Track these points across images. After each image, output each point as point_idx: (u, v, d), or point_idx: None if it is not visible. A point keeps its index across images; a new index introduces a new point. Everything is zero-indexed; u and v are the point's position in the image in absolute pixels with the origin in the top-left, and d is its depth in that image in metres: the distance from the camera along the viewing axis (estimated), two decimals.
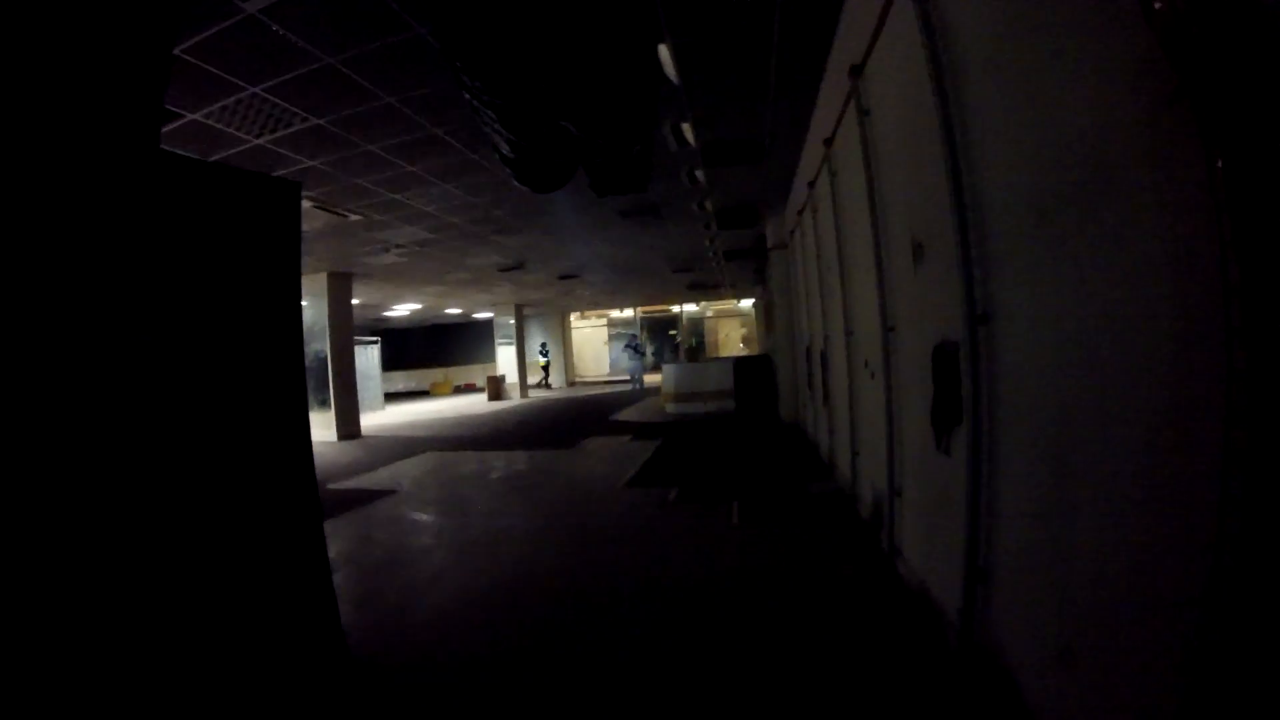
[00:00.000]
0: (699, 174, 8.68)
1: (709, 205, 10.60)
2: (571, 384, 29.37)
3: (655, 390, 20.53)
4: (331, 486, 8.24)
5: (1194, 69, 1.22)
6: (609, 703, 2.71)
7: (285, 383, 3.16)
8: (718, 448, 9.27)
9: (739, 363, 14.51)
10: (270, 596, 2.87)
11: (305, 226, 9.51)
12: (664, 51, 4.98)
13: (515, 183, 4.06)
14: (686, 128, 6.86)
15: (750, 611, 3.45)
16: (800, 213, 7.89)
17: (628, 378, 27.61)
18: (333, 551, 5.10)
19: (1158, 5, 1.31)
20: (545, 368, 28.12)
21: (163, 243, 2.43)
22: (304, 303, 13.84)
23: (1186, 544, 1.38)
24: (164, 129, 5.60)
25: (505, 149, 3.59)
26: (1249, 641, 1.23)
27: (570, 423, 14.27)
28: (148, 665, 2.27)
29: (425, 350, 32.55)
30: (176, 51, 4.29)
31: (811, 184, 6.56)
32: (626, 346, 24.33)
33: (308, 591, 3.13)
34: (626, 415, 15.04)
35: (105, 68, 1.90)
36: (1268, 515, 1.16)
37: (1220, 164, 1.17)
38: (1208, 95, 1.20)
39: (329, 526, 5.91)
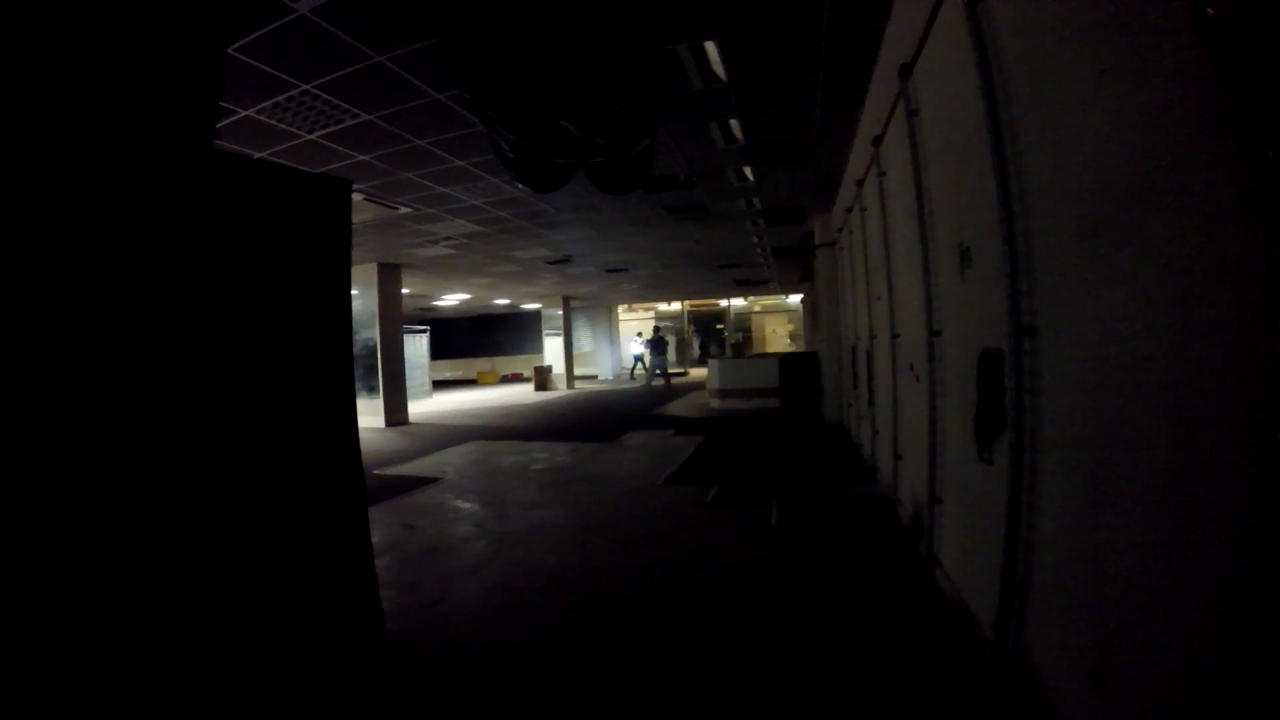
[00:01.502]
0: (747, 171, 8.63)
1: (757, 202, 10.52)
2: (616, 376, 29.46)
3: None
4: (377, 472, 8.43)
5: (1244, 87, 1.18)
6: (635, 701, 2.73)
7: (333, 377, 3.23)
8: (760, 446, 9.22)
9: (784, 359, 14.41)
10: (315, 581, 2.95)
11: (356, 218, 9.70)
12: (711, 49, 4.97)
13: (518, 184, 4.08)
14: (735, 125, 6.82)
15: (783, 617, 3.44)
16: (849, 211, 7.79)
17: (636, 372, 27.25)
18: (376, 538, 5.21)
19: (1210, 11, 1.27)
20: (640, 358, 26.68)
21: (214, 239, 2.50)
22: (354, 292, 14.11)
23: (1225, 568, 1.34)
24: (218, 125, 5.76)
25: (505, 148, 3.61)
26: None
27: (614, 416, 14.34)
28: (192, 645, 2.35)
29: (473, 340, 33.00)
30: (230, 50, 4.41)
31: (860, 183, 6.47)
32: (648, 341, 22.14)
33: (351, 577, 3.20)
34: (670, 410, 15.03)
35: (162, 66, 1.97)
36: None
37: (1270, 182, 1.13)
38: (1257, 115, 1.16)
39: (373, 513, 6.06)
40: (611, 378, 28.70)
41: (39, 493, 1.92)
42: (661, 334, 21.67)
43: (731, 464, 7.97)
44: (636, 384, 24.39)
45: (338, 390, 3.28)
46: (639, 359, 26.96)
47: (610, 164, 4.09)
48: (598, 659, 3.11)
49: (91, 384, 2.05)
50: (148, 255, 2.12)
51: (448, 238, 11.85)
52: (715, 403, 14.95)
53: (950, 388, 3.55)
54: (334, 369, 3.28)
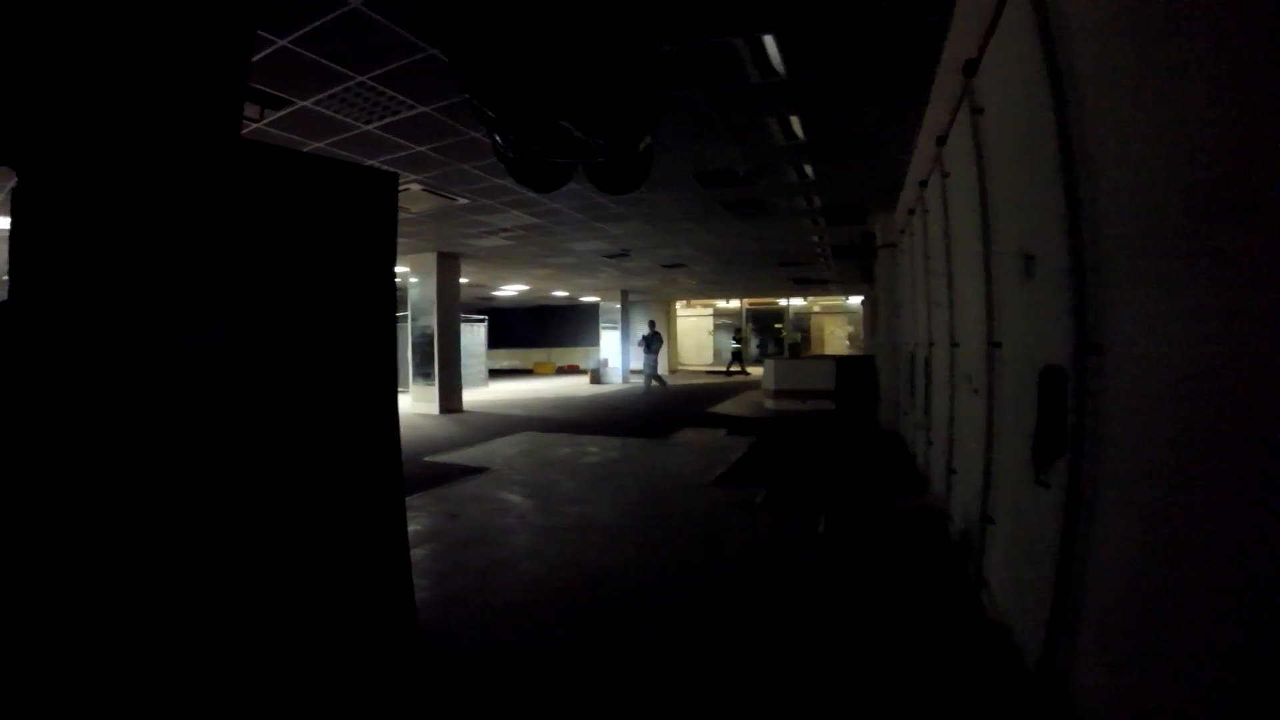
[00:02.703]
0: (807, 168, 8.44)
1: (817, 200, 10.30)
2: (674, 371, 29.38)
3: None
4: (427, 459, 8.51)
5: None
6: (663, 708, 2.66)
7: (375, 368, 3.20)
8: (812, 450, 9.03)
9: (841, 362, 14.14)
10: (348, 572, 2.95)
11: (415, 208, 9.81)
12: (769, 42, 4.83)
13: (517, 184, 4.04)
14: (795, 121, 6.66)
15: (822, 633, 3.32)
16: (911, 212, 7.54)
17: (732, 369, 27.36)
18: (419, 526, 5.28)
19: None
20: (737, 353, 28.25)
21: (254, 231, 2.51)
22: (413, 280, 14.42)
23: None
24: (276, 115, 5.87)
25: (505, 149, 3.57)
26: None
27: (667, 412, 14.26)
28: (221, 632, 2.36)
29: (530, 330, 33.32)
30: (286, 42, 4.47)
31: (923, 183, 6.24)
32: (642, 338, 19.67)
33: (385, 569, 3.19)
34: (724, 408, 14.92)
35: (182, 63, 1.97)
36: None
37: None
38: None
39: (419, 500, 6.14)
40: (669, 373, 28.67)
41: (60, 478, 1.94)
42: (653, 332, 19.38)
43: (782, 467, 7.82)
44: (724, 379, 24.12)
45: (379, 381, 3.26)
46: (738, 355, 27.76)
47: (611, 164, 4.04)
48: (628, 661, 3.05)
49: (122, 379, 2.06)
50: (182, 249, 2.12)
51: (505, 229, 11.91)
52: (770, 403, 14.77)
53: (1008, 403, 3.37)
54: (376, 360, 3.25)
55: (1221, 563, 1.47)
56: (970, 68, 3.65)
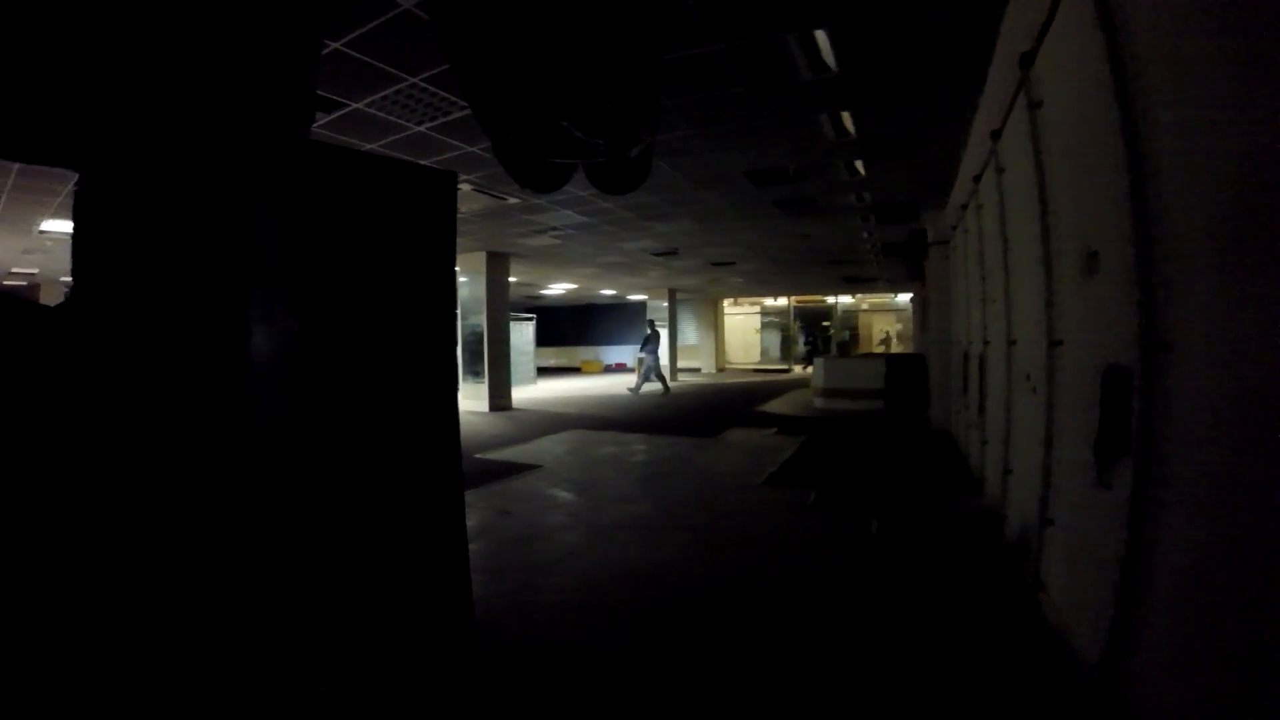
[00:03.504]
0: (858, 165, 8.34)
1: (867, 197, 10.17)
2: (722, 369, 29.27)
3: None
4: (478, 456, 8.63)
5: None
6: (716, 708, 2.67)
7: (437, 366, 3.26)
8: (862, 450, 8.92)
9: (891, 361, 13.94)
10: (411, 568, 3.01)
11: (465, 208, 9.95)
12: (821, 37, 4.79)
13: (518, 185, 4.07)
14: (846, 117, 6.59)
15: (878, 635, 3.30)
16: (964, 208, 7.41)
17: (781, 367, 27.07)
18: (471, 522, 5.33)
19: None
20: (808, 353, 28.00)
21: (322, 229, 2.58)
22: (463, 279, 14.60)
23: None
24: (329, 118, 6.02)
25: (505, 150, 3.60)
26: None
27: (715, 411, 14.24)
28: (289, 623, 2.44)
29: (578, 329, 33.53)
30: (339, 45, 4.58)
31: (977, 179, 6.12)
32: (644, 338, 18.59)
33: (445, 565, 3.25)
34: (772, 407, 14.83)
35: (255, 64, 2.04)
36: None
37: None
38: None
39: (470, 496, 6.22)
40: (716, 371, 28.56)
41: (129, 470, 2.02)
42: (655, 330, 18.45)
43: (832, 467, 7.75)
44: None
45: (440, 380, 3.31)
46: (810, 346, 27.62)
47: (611, 164, 4.05)
48: (684, 662, 3.07)
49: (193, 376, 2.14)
50: (253, 246, 2.20)
51: (555, 228, 12.01)
52: (819, 402, 14.68)
53: (1069, 402, 3.29)
54: (438, 358, 3.30)
55: None
56: (1027, 60, 3.58)
